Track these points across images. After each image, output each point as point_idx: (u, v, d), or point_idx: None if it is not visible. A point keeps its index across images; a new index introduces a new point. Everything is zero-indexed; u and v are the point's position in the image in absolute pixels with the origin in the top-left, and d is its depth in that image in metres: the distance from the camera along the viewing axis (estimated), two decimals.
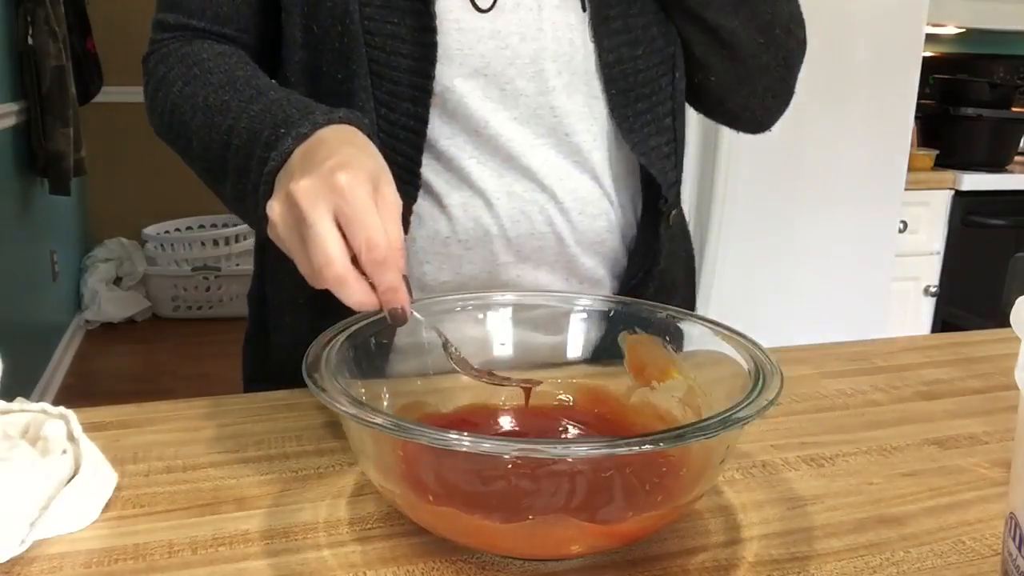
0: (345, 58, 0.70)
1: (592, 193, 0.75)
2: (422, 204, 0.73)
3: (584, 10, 0.73)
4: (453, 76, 0.70)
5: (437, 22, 0.68)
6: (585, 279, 0.77)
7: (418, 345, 0.61)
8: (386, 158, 0.70)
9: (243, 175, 0.63)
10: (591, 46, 0.73)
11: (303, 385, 0.46)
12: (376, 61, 0.69)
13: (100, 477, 0.51)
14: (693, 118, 0.86)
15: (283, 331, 0.79)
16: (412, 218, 0.72)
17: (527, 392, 0.58)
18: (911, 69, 2.17)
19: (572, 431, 0.58)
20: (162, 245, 3.63)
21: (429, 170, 0.72)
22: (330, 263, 0.50)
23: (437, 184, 0.73)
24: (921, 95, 2.26)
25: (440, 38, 0.69)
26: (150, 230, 3.68)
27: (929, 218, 2.48)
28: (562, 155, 0.74)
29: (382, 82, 0.70)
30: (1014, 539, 0.39)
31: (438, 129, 0.71)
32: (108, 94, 3.49)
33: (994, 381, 0.75)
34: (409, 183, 0.71)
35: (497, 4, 0.70)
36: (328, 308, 0.56)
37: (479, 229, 0.73)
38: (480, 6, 0.70)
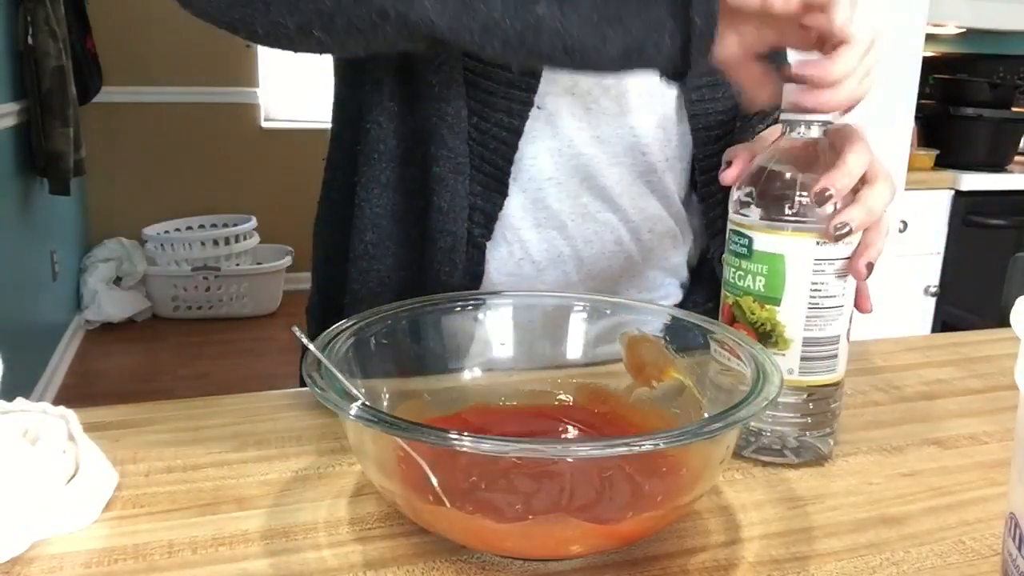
0: (440, 63, 0.70)
1: (661, 212, 0.77)
2: (496, 228, 0.74)
3: None
4: (545, 94, 0.71)
5: None
6: (651, 289, 0.80)
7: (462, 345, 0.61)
8: (475, 167, 0.72)
9: None
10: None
11: None
12: (471, 70, 0.69)
13: (100, 477, 0.51)
14: None
15: None
16: (489, 244, 0.74)
17: None
18: (911, 69, 2.17)
19: (572, 431, 0.58)
20: (162, 245, 3.64)
21: (508, 191, 0.73)
22: None
23: (511, 206, 0.73)
24: (921, 95, 2.27)
25: None
26: (150, 230, 3.68)
27: (929, 218, 2.48)
28: (636, 174, 0.75)
29: (477, 91, 0.70)
30: (1014, 539, 0.39)
31: (523, 148, 0.72)
32: (108, 94, 3.49)
33: (994, 381, 0.75)
34: (497, 191, 0.72)
35: None
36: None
37: (552, 251, 0.75)
38: None
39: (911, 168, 2.32)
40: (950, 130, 2.57)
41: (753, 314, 0.56)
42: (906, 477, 0.57)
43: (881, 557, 0.47)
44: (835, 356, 0.57)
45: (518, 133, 0.71)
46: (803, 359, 0.56)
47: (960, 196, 2.48)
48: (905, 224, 2.40)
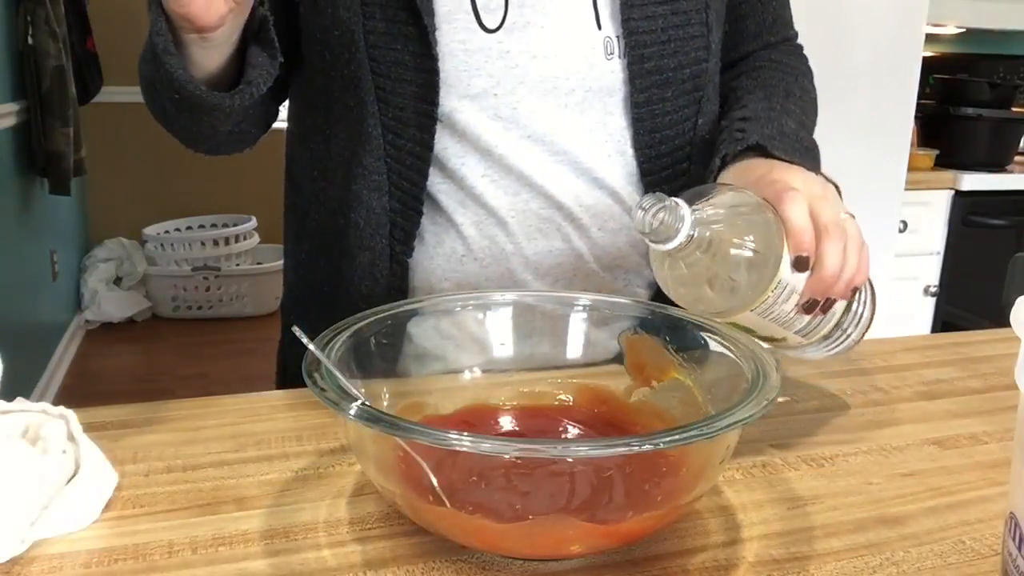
0: (353, 85, 0.70)
1: (610, 209, 0.75)
2: (437, 223, 0.73)
3: (599, 29, 0.72)
4: (461, 97, 0.70)
5: (439, 48, 0.68)
6: (611, 290, 0.78)
7: (436, 348, 0.61)
8: (393, 182, 0.72)
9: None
10: (612, 67, 0.72)
11: None
12: (382, 88, 0.69)
13: (100, 477, 0.51)
14: None
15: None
16: (428, 236, 0.73)
17: None
18: (911, 69, 2.17)
19: (572, 431, 0.58)
20: (162, 245, 3.63)
21: (440, 189, 0.72)
22: None
23: (449, 204, 0.73)
24: (921, 95, 2.26)
25: (444, 62, 0.69)
26: (150, 230, 3.68)
27: (929, 218, 2.48)
28: (577, 172, 0.73)
29: (388, 108, 0.70)
30: (1014, 539, 0.39)
31: (449, 149, 0.71)
32: (108, 94, 3.49)
33: (994, 381, 0.75)
34: (412, 208, 0.72)
35: (505, 24, 0.70)
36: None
37: (494, 247, 0.73)
38: (487, 26, 0.69)
39: (911, 168, 2.31)
40: (950, 130, 2.57)
41: (738, 327, 0.57)
42: (906, 477, 0.57)
43: (881, 557, 0.47)
44: (830, 308, 0.58)
45: (428, 147, 0.70)
46: (804, 335, 0.59)
47: (960, 196, 2.48)
48: (905, 224, 2.40)
